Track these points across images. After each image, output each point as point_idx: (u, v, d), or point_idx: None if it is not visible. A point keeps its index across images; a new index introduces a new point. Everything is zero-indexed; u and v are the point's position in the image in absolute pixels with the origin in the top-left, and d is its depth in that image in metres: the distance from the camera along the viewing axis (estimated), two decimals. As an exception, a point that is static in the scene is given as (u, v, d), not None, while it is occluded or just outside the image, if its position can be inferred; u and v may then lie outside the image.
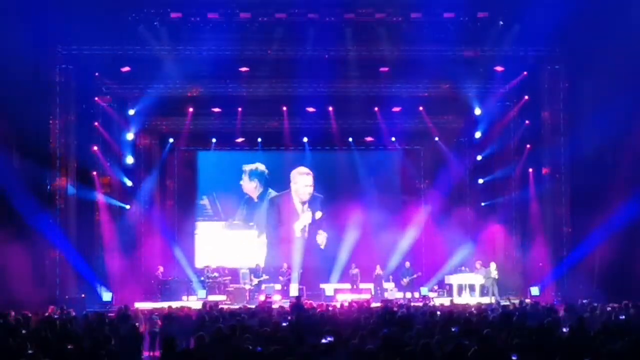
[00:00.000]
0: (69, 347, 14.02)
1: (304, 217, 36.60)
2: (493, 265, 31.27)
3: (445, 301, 27.21)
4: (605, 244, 27.44)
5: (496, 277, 30.92)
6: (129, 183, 32.51)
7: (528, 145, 31.30)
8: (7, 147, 25.79)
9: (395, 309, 21.69)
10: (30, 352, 13.10)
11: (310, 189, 36.66)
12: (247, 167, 36.51)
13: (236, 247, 36.02)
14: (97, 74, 29.19)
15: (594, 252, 28.14)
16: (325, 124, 33.85)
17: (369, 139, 35.68)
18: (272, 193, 36.66)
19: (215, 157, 36.47)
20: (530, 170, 31.18)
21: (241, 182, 36.55)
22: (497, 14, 27.34)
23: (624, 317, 19.47)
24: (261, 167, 36.56)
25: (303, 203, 36.69)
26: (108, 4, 25.08)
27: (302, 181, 36.72)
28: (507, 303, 25.10)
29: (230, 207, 36.49)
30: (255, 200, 36.64)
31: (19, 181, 25.79)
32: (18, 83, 24.84)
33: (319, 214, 36.50)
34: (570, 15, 24.80)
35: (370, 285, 32.21)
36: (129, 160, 32.29)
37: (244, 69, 29.38)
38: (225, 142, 35.57)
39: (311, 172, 36.67)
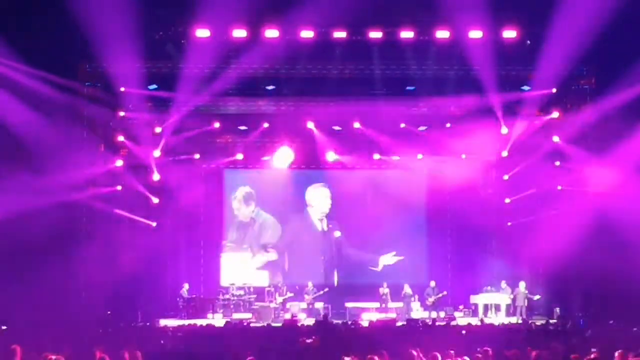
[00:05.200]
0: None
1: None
2: (522, 284, 31.15)
3: (472, 321, 27.06)
4: (634, 264, 27.23)
5: (527, 294, 30.85)
6: (155, 200, 32.57)
7: (557, 163, 31.10)
8: (32, 163, 25.87)
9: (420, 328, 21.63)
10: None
11: (329, 201, 36.52)
12: (239, 193, 36.40)
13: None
14: (122, 89, 29.26)
15: (621, 273, 27.89)
16: (350, 142, 33.83)
17: (394, 157, 35.59)
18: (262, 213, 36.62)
19: (241, 174, 36.52)
20: (559, 188, 30.97)
21: (235, 207, 36.47)
22: (524, 32, 27.30)
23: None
24: (248, 189, 36.54)
25: (321, 219, 36.55)
26: (136, 22, 25.19)
27: (319, 194, 36.58)
28: (533, 323, 24.97)
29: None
30: (247, 221, 36.59)
31: (43, 197, 25.88)
32: (44, 98, 25.00)
33: (337, 234, 36.35)
34: (599, 33, 24.71)
35: (400, 305, 32.13)
36: (155, 177, 32.35)
37: (270, 87, 29.49)
38: (251, 159, 35.60)
39: (326, 185, 36.57)
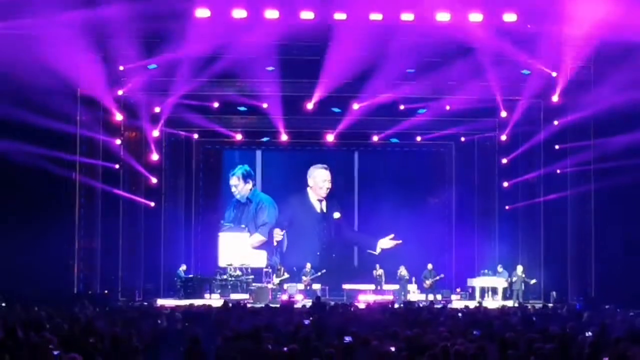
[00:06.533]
0: (91, 341, 14.10)
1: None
2: (520, 268, 31.21)
3: (469, 304, 27.12)
4: (632, 248, 27.31)
5: (524, 278, 30.89)
6: (153, 180, 32.55)
7: (557, 147, 31.06)
8: (32, 141, 25.80)
9: (417, 310, 21.68)
10: (56, 353, 13.11)
11: (328, 184, 36.57)
12: (239, 171, 36.47)
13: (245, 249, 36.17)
14: (121, 68, 29.04)
15: (620, 257, 27.97)
16: (350, 124, 33.79)
17: (394, 139, 35.62)
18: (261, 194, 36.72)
19: (240, 155, 36.60)
20: (558, 171, 30.96)
21: (233, 184, 36.53)
22: (524, 16, 27.17)
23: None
24: (247, 167, 36.55)
25: (320, 200, 36.63)
26: (135, 1, 25.06)
27: (319, 176, 36.64)
28: (529, 306, 25.01)
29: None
30: (244, 201, 36.63)
31: (44, 175, 25.86)
32: (42, 78, 24.88)
33: (337, 215, 36.46)
34: (600, 16, 24.61)
35: (395, 287, 32.21)
36: (154, 157, 32.31)
37: (270, 68, 29.38)
38: (250, 140, 35.65)
39: (328, 168, 36.62)
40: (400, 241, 35.61)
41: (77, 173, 28.24)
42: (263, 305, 25.59)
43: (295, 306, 24.76)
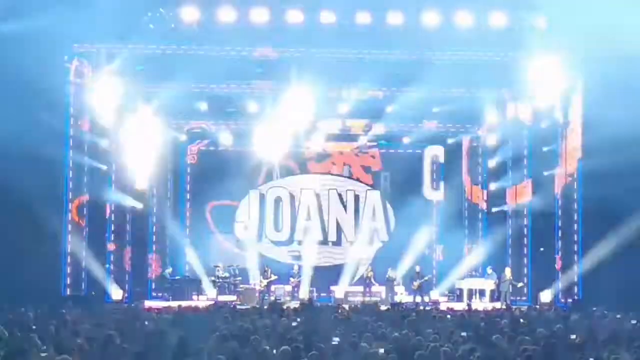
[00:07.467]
0: (78, 341, 14.09)
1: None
2: (508, 270, 31.24)
3: (456, 305, 27.16)
4: (618, 250, 27.35)
5: (512, 280, 30.92)
6: (141, 181, 32.43)
7: (544, 149, 31.11)
8: (21, 138, 25.63)
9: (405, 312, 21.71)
10: (43, 354, 13.09)
11: (316, 188, 36.62)
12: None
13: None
14: (109, 68, 28.87)
15: (605, 259, 28.00)
16: (338, 125, 33.81)
17: (381, 141, 35.64)
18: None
19: (228, 156, 36.51)
20: (545, 173, 31.01)
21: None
22: (512, 17, 27.23)
23: (635, 321, 19.49)
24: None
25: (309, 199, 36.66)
26: (124, 4, 25.02)
27: (305, 181, 36.58)
28: (517, 309, 25.07)
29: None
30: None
31: (31, 176, 25.71)
32: (32, 79, 24.78)
33: (325, 217, 36.45)
34: (587, 19, 24.65)
35: (383, 288, 32.23)
36: (143, 158, 32.14)
37: (258, 69, 29.36)
38: (239, 141, 35.57)
39: (312, 171, 36.61)
40: (381, 244, 35.73)
41: (66, 174, 28.14)
42: (250, 307, 25.62)
43: (283, 307, 24.75)
